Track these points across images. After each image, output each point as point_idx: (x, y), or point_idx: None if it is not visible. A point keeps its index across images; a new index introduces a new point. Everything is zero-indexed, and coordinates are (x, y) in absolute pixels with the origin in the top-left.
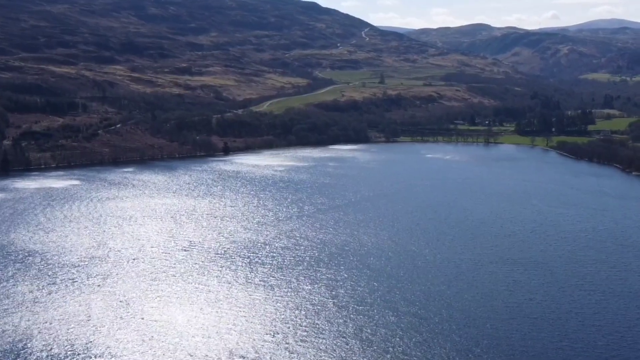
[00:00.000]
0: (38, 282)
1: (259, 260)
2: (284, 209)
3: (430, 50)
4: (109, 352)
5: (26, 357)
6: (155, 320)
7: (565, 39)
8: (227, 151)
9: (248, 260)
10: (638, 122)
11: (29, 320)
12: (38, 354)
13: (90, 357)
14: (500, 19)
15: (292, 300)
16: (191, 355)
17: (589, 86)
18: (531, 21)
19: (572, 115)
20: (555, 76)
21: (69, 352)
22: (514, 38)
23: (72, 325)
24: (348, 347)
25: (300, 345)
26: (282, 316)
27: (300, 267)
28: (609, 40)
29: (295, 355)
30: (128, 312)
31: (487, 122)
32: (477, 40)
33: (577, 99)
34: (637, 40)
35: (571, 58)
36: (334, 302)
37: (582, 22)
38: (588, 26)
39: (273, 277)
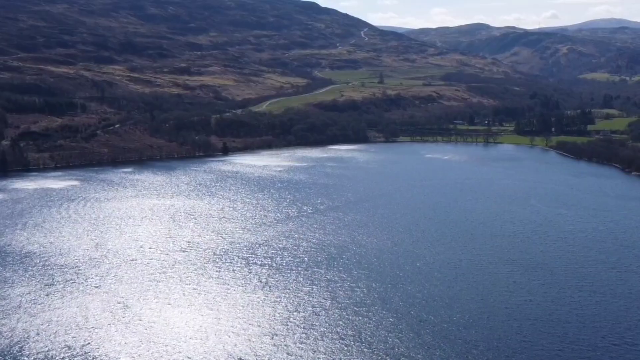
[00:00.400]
0: (36, 283)
1: (258, 261)
2: (283, 210)
3: (429, 50)
4: (107, 355)
5: (23, 359)
6: (153, 322)
7: (565, 38)
8: (226, 151)
9: (246, 261)
10: (637, 121)
11: (26, 322)
12: (35, 356)
13: None
14: (499, 18)
15: (291, 301)
16: (189, 358)
17: (588, 86)
18: (530, 21)
19: (571, 115)
20: (554, 76)
21: (66, 355)
22: (513, 38)
23: (70, 327)
24: (347, 349)
25: (298, 347)
26: (281, 318)
27: (299, 268)
28: (608, 40)
29: (293, 357)
30: (126, 313)
31: (486, 122)
32: (476, 39)
33: (577, 99)
34: (636, 39)
35: (570, 58)
36: (332, 304)
37: (581, 21)
38: (587, 26)
39: (272, 278)
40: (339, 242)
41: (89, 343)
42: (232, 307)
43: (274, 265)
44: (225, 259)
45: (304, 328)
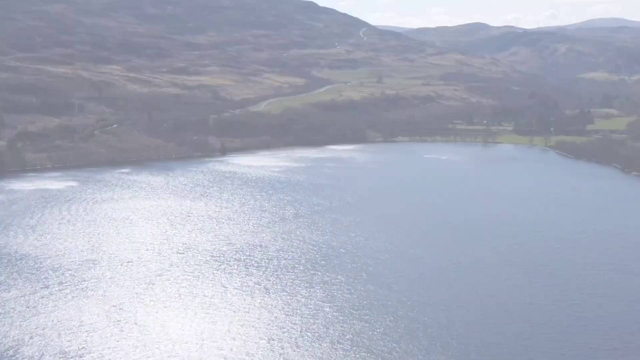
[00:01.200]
0: (30, 286)
1: (255, 264)
2: (281, 211)
3: (428, 49)
4: (102, 359)
5: None
6: (149, 326)
7: (564, 38)
8: (224, 151)
9: (243, 263)
10: (637, 121)
11: (20, 326)
12: None
13: None
14: (498, 18)
15: (288, 304)
16: None
17: (588, 85)
18: (529, 20)
19: (570, 114)
20: (553, 75)
21: (61, 359)
22: (512, 37)
23: (65, 331)
24: (344, 352)
25: (295, 350)
26: (278, 321)
27: (296, 271)
28: (607, 39)
29: None
30: (121, 317)
31: (485, 121)
32: (475, 39)
33: (576, 98)
34: (635, 39)
35: (569, 57)
36: (330, 307)
37: (580, 21)
38: (586, 25)
39: (269, 280)
40: (336, 244)
41: (83, 347)
42: (228, 310)
43: (271, 267)
44: (222, 261)
45: (301, 331)
